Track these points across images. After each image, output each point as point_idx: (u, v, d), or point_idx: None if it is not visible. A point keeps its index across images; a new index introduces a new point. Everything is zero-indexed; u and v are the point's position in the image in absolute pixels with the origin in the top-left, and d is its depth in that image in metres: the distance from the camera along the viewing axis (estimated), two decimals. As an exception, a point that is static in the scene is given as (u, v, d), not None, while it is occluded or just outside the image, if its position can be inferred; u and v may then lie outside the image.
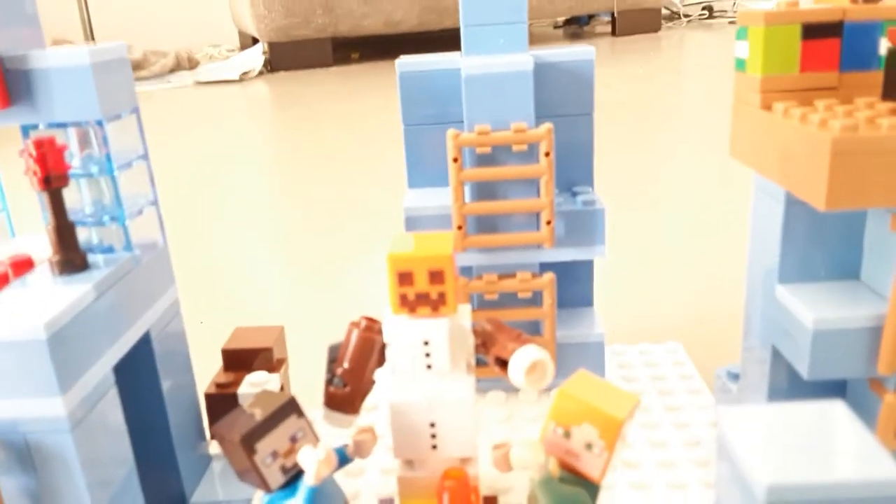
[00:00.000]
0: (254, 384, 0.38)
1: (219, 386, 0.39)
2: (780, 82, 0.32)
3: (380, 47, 2.24)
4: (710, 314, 0.57)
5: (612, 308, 0.53)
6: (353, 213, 0.90)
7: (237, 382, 0.39)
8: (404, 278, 0.28)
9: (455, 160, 0.36)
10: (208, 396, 0.39)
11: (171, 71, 2.28)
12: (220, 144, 1.38)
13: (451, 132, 0.36)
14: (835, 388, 0.33)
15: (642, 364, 0.48)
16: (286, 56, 2.16)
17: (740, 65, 0.34)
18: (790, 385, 0.34)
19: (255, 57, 2.20)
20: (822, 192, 0.27)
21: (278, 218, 0.95)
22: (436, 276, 0.28)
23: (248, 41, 2.46)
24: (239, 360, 0.40)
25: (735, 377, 0.40)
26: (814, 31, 0.31)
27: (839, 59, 0.31)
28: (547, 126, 0.36)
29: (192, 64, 2.36)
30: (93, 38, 2.56)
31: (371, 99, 1.63)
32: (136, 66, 2.19)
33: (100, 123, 0.30)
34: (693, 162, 1.03)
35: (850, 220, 0.32)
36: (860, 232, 0.32)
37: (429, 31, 2.17)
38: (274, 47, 2.17)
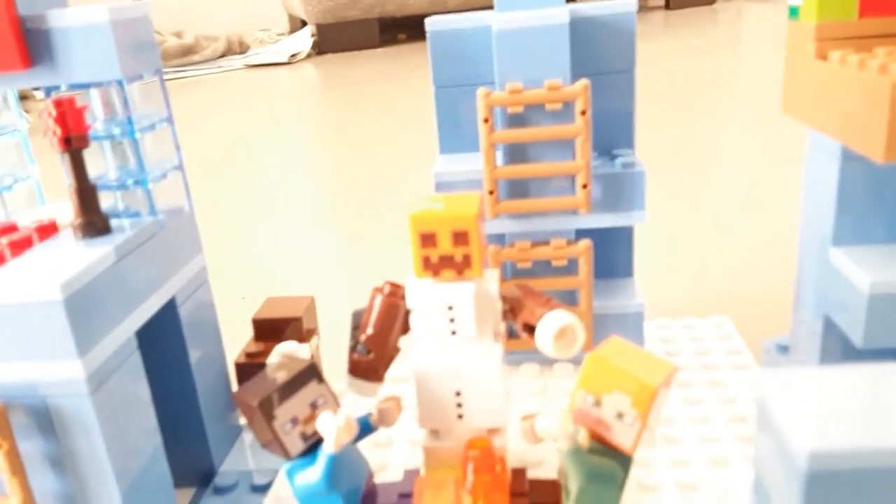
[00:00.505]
0: (283, 354, 0.37)
1: (249, 355, 0.39)
2: (837, 29, 0.29)
3: (427, 27, 2.22)
4: (760, 287, 0.55)
5: (656, 280, 0.51)
6: (391, 190, 0.89)
7: (267, 352, 0.38)
8: (427, 239, 0.27)
9: (486, 121, 0.35)
10: (238, 366, 0.38)
11: (223, 55, 2.31)
12: (267, 125, 1.39)
13: (481, 91, 0.35)
14: (893, 360, 0.31)
15: (687, 339, 0.46)
16: (334, 38, 2.16)
17: (794, 13, 0.31)
18: (844, 357, 0.31)
19: (304, 40, 2.21)
20: (882, 143, 0.25)
21: (320, 195, 0.95)
22: (460, 237, 0.27)
23: (298, 24, 2.47)
24: (269, 330, 0.40)
25: (784, 349, 0.37)
26: (874, -27, 0.29)
27: (903, 2, 0.29)
28: (583, 82, 0.34)
29: (243, 48, 2.39)
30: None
31: (416, 79, 1.61)
32: (188, 50, 2.23)
33: (120, 84, 0.30)
34: (745, 134, 0.99)
35: (913, 177, 0.29)
36: (924, 190, 0.29)
37: (476, 9, 2.15)
38: (322, 29, 2.18)
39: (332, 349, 0.42)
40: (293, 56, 2.12)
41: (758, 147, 0.91)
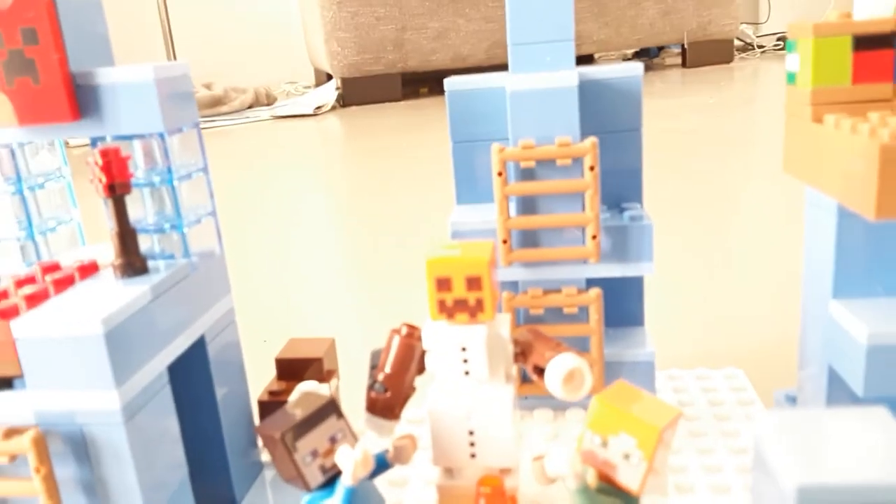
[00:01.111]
0: (303, 392, 0.39)
1: (271, 394, 0.40)
2: (832, 94, 0.31)
3: (448, 82, 2.28)
4: (773, 338, 0.55)
5: (668, 331, 0.52)
6: (410, 236, 0.91)
7: (289, 391, 0.40)
8: (442, 284, 0.28)
9: (500, 174, 0.37)
10: (261, 403, 0.40)
11: (250, 107, 2.37)
12: (292, 174, 1.43)
13: (495, 146, 0.37)
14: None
15: (699, 389, 0.47)
16: (358, 91, 2.22)
17: (791, 78, 0.33)
18: (849, 405, 0.32)
19: (329, 92, 2.27)
20: (873, 201, 0.27)
21: (342, 240, 0.98)
22: (473, 283, 0.28)
23: (323, 78, 2.54)
24: (291, 370, 0.41)
25: (793, 400, 0.38)
26: (865, 43, 0.30)
27: (893, 70, 0.30)
28: (591, 140, 0.36)
29: (270, 100, 2.46)
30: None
31: (436, 131, 1.65)
32: (217, 101, 2.29)
33: (162, 136, 0.32)
34: (757, 189, 1.00)
35: (908, 233, 0.30)
36: (921, 246, 0.31)
37: (496, 66, 2.20)
38: (346, 83, 2.24)
39: (351, 390, 0.44)
40: (318, 108, 2.18)
41: (769, 201, 0.93)
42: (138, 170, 0.34)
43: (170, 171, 0.32)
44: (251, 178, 1.37)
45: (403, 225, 0.98)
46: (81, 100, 0.32)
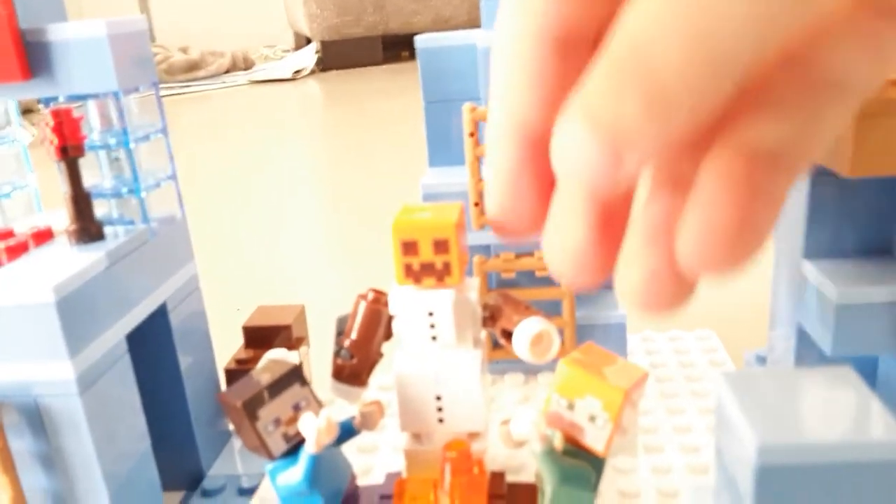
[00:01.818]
0: (270, 360, 0.38)
1: (238, 362, 0.39)
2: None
3: (429, 45, 2.25)
4: (746, 299, 0.55)
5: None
6: (386, 202, 0.90)
7: (257, 359, 0.39)
8: (409, 248, 0.28)
9: (471, 135, 0.36)
10: (228, 372, 0.39)
11: (228, 71, 2.33)
12: (269, 139, 1.41)
13: (466, 105, 0.36)
14: (865, 369, 0.31)
15: (671, 351, 0.47)
16: (338, 55, 2.19)
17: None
18: (817, 365, 0.32)
19: (308, 56, 2.23)
20: (847, 158, 0.26)
21: (318, 206, 0.96)
22: (440, 246, 0.27)
23: (302, 41, 2.50)
24: (259, 338, 0.40)
25: (763, 360, 0.38)
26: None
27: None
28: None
29: (248, 64, 2.41)
30: (153, 40, 2.63)
31: (418, 96, 1.63)
32: (194, 66, 2.25)
33: (117, 96, 0.31)
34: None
35: (882, 191, 0.30)
36: (892, 204, 0.30)
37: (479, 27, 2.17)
38: (326, 46, 2.20)
39: (322, 357, 0.43)
40: (297, 72, 2.14)
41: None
42: (93, 132, 0.32)
43: (125, 132, 0.31)
44: (227, 145, 1.35)
45: (381, 191, 0.96)
46: (32, 58, 0.30)
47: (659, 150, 0.13)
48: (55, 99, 0.31)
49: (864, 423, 0.17)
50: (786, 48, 0.13)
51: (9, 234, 0.32)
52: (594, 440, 0.26)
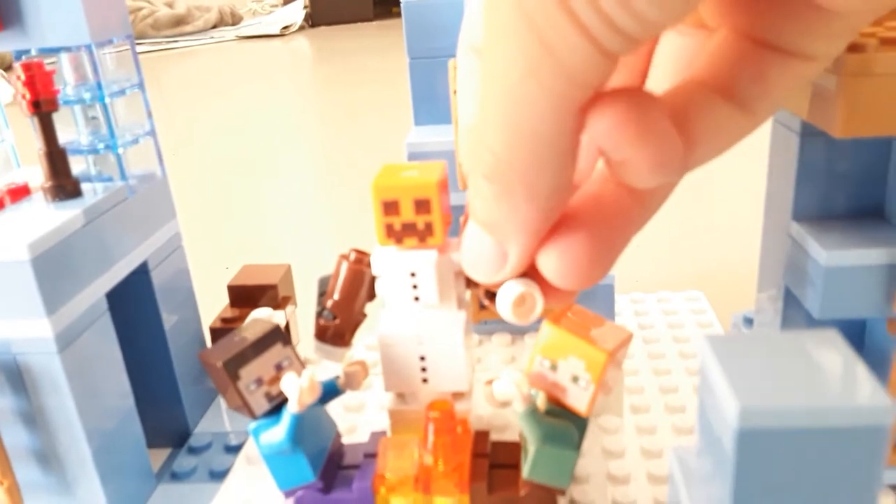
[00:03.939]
0: (255, 320, 0.38)
1: (224, 321, 0.39)
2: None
3: (421, 1, 2.21)
4: (736, 261, 0.55)
5: (632, 257, 0.52)
6: (376, 161, 0.89)
7: (243, 318, 0.39)
8: (390, 208, 0.27)
9: (455, 92, 0.35)
10: (213, 330, 0.39)
11: (215, 26, 2.29)
12: (258, 97, 1.39)
13: (452, 62, 0.35)
14: (852, 332, 0.31)
15: (660, 312, 0.47)
16: (327, 10, 2.15)
17: None
18: (804, 328, 0.32)
19: (297, 11, 2.19)
20: (837, 118, 0.26)
21: (307, 166, 0.95)
22: (422, 206, 0.27)
23: (291, -4, 2.45)
24: (245, 297, 0.40)
25: (750, 322, 0.38)
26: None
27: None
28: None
29: (236, 19, 2.37)
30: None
31: (409, 52, 1.61)
32: (180, 21, 2.21)
33: (89, 48, 0.30)
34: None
35: (872, 152, 0.30)
36: (884, 165, 0.30)
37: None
38: (315, 1, 2.16)
39: (310, 317, 0.43)
40: (285, 28, 2.10)
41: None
42: (67, 86, 0.31)
43: (100, 86, 0.30)
44: (214, 103, 1.33)
45: (369, 149, 0.95)
46: (3, 9, 0.29)
47: (532, 234, 0.16)
48: (27, 52, 0.30)
49: (848, 387, 0.17)
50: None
51: (-16, 190, 0.31)
52: (577, 400, 0.26)
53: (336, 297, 0.30)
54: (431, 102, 0.40)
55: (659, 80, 0.19)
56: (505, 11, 0.13)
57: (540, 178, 0.15)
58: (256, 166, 0.95)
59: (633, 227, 0.18)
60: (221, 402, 0.40)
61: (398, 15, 2.23)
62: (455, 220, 0.38)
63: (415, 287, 0.28)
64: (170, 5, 2.29)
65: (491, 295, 0.29)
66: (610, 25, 0.12)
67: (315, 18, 2.18)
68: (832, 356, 0.19)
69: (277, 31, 2.07)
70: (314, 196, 0.84)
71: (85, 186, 0.31)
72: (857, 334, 0.32)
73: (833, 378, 0.18)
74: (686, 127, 0.16)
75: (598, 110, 0.15)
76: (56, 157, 0.29)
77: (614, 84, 0.19)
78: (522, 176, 0.15)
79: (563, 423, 0.26)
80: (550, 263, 0.17)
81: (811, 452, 0.17)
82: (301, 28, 2.14)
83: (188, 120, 1.14)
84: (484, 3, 0.13)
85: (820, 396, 0.17)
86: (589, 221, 0.17)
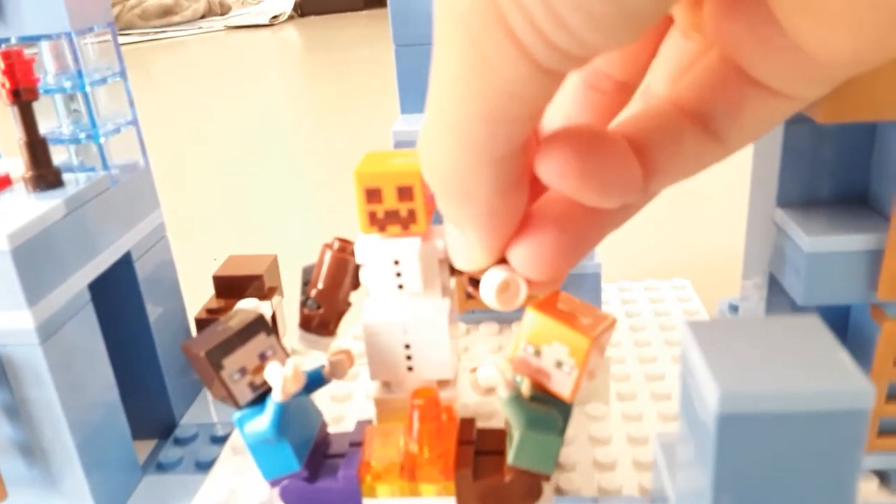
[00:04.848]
0: (239, 310, 0.38)
1: (209, 311, 0.39)
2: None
3: (411, -10, 2.20)
4: (722, 248, 0.55)
5: (619, 245, 0.52)
6: (365, 152, 0.89)
7: (228, 308, 0.39)
8: (372, 195, 0.27)
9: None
10: (198, 321, 0.39)
11: (203, 16, 2.27)
12: (246, 88, 1.38)
13: (437, 49, 0.35)
14: (836, 318, 0.32)
15: (647, 300, 0.47)
16: (316, 0, 2.14)
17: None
18: (787, 314, 0.32)
19: (286, 1, 2.18)
20: (822, 103, 0.26)
21: (296, 157, 0.95)
22: (405, 193, 0.27)
23: (280, -14, 2.43)
24: (230, 287, 0.40)
25: (736, 309, 0.38)
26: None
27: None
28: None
29: (224, 9, 2.35)
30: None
31: (399, 42, 1.60)
32: (168, 10, 2.19)
33: (70, 36, 0.30)
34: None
35: (856, 137, 0.30)
36: (868, 150, 0.30)
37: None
38: (304, -9, 2.15)
39: (296, 307, 0.43)
40: (274, 18, 2.09)
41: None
42: (48, 75, 0.31)
43: (81, 75, 0.30)
44: (202, 93, 1.32)
45: (358, 139, 0.95)
46: (-19, -3, 0.29)
47: (491, 230, 0.17)
48: (7, 41, 0.30)
49: (828, 371, 0.17)
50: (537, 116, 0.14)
51: (-36, 181, 0.31)
52: (560, 386, 0.26)
53: (320, 286, 0.30)
54: (418, 90, 0.40)
55: (658, 78, 0.18)
56: (445, 17, 0.13)
57: (476, 185, 0.15)
58: (244, 156, 0.94)
59: (606, 228, 0.18)
60: (207, 393, 0.40)
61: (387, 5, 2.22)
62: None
63: (398, 275, 0.28)
64: (157, -5, 2.28)
65: (475, 282, 0.29)
66: (546, 42, 0.12)
67: (304, 8, 2.17)
68: (813, 341, 0.19)
69: (266, 21, 2.06)
70: (302, 186, 0.83)
71: (67, 176, 0.31)
72: (840, 321, 0.32)
73: (813, 362, 0.18)
74: (649, 153, 0.16)
75: (544, 153, 0.15)
76: (37, 147, 0.29)
77: (614, 74, 0.19)
78: (456, 181, 0.15)
79: (547, 409, 0.26)
80: (518, 257, 0.18)
81: (792, 436, 0.17)
82: (290, 18, 2.13)
83: (175, 110, 1.13)
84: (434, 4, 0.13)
85: (800, 381, 0.17)
86: (558, 218, 0.17)
